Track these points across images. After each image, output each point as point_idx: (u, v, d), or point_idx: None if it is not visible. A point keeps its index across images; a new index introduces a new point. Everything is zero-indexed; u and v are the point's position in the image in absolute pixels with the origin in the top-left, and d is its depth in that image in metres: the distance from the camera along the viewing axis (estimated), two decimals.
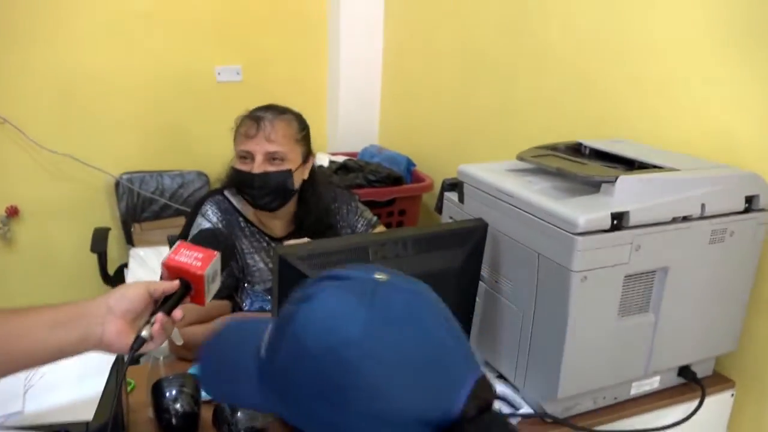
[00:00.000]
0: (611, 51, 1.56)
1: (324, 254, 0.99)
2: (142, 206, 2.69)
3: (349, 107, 2.84)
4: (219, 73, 2.71)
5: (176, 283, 0.87)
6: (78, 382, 0.88)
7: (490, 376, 0.83)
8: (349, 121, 2.86)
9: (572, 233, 0.99)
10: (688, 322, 1.17)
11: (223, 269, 0.96)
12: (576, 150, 1.34)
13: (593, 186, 1.10)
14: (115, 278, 2.56)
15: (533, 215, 1.07)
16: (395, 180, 2.19)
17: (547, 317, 1.08)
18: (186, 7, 2.58)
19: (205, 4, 2.61)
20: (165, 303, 0.86)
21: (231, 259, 1.09)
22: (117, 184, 2.64)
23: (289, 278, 0.97)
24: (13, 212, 2.54)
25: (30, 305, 0.81)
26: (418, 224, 2.35)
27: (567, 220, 0.99)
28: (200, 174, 2.75)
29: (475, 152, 2.16)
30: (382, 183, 2.15)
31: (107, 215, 2.70)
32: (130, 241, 2.67)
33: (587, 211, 1.00)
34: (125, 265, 2.52)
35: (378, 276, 0.57)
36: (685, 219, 1.08)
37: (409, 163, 2.40)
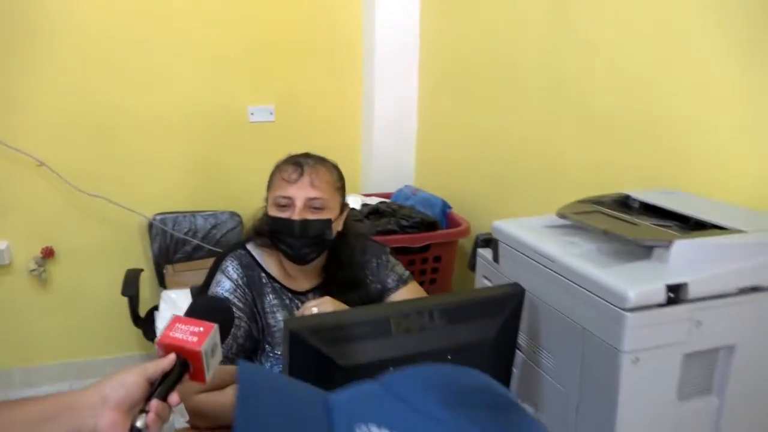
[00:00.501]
0: (662, 92, 1.43)
1: (339, 328, 0.90)
2: (174, 247, 2.66)
3: (384, 147, 2.77)
4: (252, 113, 2.68)
5: (173, 357, 0.80)
6: None
7: None
8: (383, 161, 2.79)
9: (621, 308, 0.87)
10: (757, 406, 1.02)
11: (223, 339, 0.88)
12: (623, 204, 1.21)
13: (643, 249, 0.97)
14: (146, 320, 2.52)
15: (576, 284, 0.95)
16: (429, 225, 2.09)
17: (595, 400, 0.95)
18: (219, 48, 2.57)
19: (238, 44, 2.60)
20: (161, 385, 0.78)
21: (231, 328, 1.01)
22: (150, 225, 2.62)
23: (300, 354, 0.88)
24: (48, 253, 2.54)
25: (15, 399, 0.74)
26: (454, 271, 2.23)
27: (615, 293, 0.88)
28: (233, 214, 2.72)
29: (514, 195, 2.05)
30: (415, 228, 2.05)
31: (140, 256, 2.68)
32: (162, 283, 2.63)
33: (639, 283, 0.88)
34: (156, 308, 2.48)
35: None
36: (753, 290, 0.94)
37: (445, 206, 2.30)
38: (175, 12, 2.48)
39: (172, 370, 0.78)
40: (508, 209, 2.08)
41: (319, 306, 1.20)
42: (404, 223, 2.04)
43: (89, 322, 2.66)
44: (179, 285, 2.56)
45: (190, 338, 0.80)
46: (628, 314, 0.86)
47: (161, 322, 2.32)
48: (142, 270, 2.57)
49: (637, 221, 1.07)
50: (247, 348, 1.27)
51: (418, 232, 2.06)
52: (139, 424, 0.71)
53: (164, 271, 2.65)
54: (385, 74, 2.71)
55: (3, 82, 2.33)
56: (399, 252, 2.06)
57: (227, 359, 1.22)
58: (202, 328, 0.81)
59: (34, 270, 2.52)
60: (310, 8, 2.67)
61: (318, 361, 0.87)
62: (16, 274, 2.53)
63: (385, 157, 2.79)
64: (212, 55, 2.57)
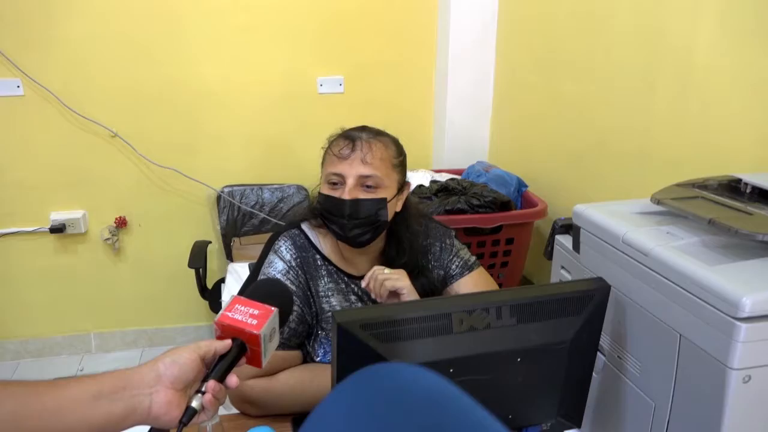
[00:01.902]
0: None
1: (393, 323, 0.80)
2: (242, 220, 2.64)
3: (458, 121, 2.62)
4: (321, 85, 2.60)
5: (228, 342, 0.77)
6: None
7: None
8: (456, 135, 2.64)
9: (733, 317, 0.72)
10: None
11: (282, 325, 0.83)
12: (733, 188, 1.04)
13: (760, 244, 0.81)
14: (212, 292, 2.53)
15: (675, 283, 0.80)
16: (503, 205, 1.94)
17: (692, 419, 0.81)
18: (289, 19, 2.49)
19: (308, 14, 2.51)
20: (218, 366, 0.75)
21: (290, 314, 0.94)
22: (218, 198, 2.61)
23: (349, 349, 0.79)
24: (121, 223, 2.59)
25: (72, 376, 0.71)
26: (528, 256, 2.08)
27: (726, 299, 0.73)
28: (300, 188, 2.67)
29: (599, 175, 1.87)
30: (487, 208, 1.91)
31: (209, 228, 2.69)
32: (229, 256, 2.63)
33: (755, 287, 0.72)
34: (223, 280, 2.49)
35: None
36: None
37: (520, 185, 2.14)
38: None
39: (229, 351, 0.75)
40: (591, 191, 1.90)
41: (392, 276, 1.12)
42: (475, 202, 1.91)
43: (159, 292, 2.70)
44: (245, 258, 2.55)
45: (249, 321, 0.77)
46: (741, 325, 0.71)
47: (227, 294, 2.32)
48: (209, 242, 2.58)
49: (751, 210, 0.90)
50: (300, 333, 1.19)
51: (490, 211, 1.92)
52: (195, 404, 0.70)
53: (231, 243, 2.65)
54: (461, 44, 2.55)
55: (80, 57, 2.35)
56: (469, 233, 1.94)
57: (280, 345, 1.14)
58: (261, 311, 0.79)
59: (108, 239, 2.58)
60: None
61: (368, 359, 0.77)
62: (92, 242, 2.60)
63: (458, 131, 2.64)
64: (282, 26, 2.50)
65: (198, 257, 2.43)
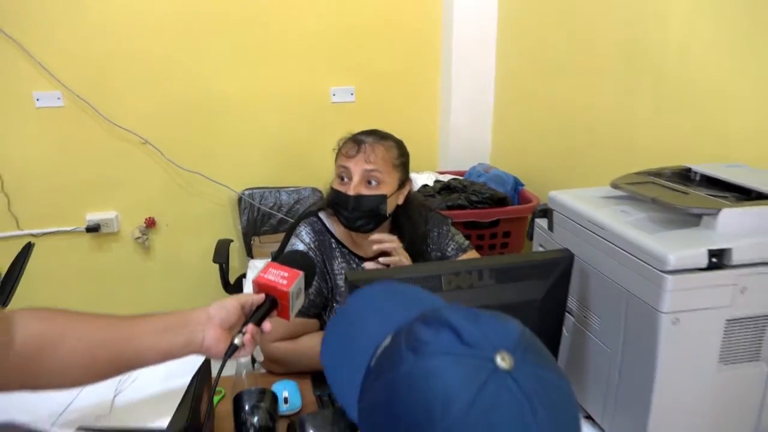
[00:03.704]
0: (738, 59, 1.42)
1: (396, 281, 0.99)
2: (261, 220, 2.85)
3: (461, 126, 2.83)
4: (334, 94, 2.81)
5: (263, 296, 0.96)
6: (163, 384, 0.96)
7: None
8: (460, 139, 2.84)
9: (662, 271, 0.91)
10: None
11: (306, 288, 1.02)
12: (684, 176, 1.23)
13: (693, 218, 1.00)
14: (234, 287, 2.73)
15: (622, 249, 0.99)
16: (499, 201, 2.14)
17: (636, 360, 1.00)
18: (304, 33, 2.72)
19: (322, 29, 2.73)
20: (255, 314, 0.94)
21: (314, 279, 1.14)
22: (240, 199, 2.82)
23: None
24: (151, 223, 2.81)
25: (142, 312, 0.91)
26: (523, 248, 2.27)
27: (656, 257, 0.91)
28: (315, 190, 2.87)
29: (588, 173, 2.06)
30: (485, 204, 2.11)
31: (231, 228, 2.90)
32: (249, 253, 2.84)
33: (680, 247, 0.91)
34: (244, 275, 2.69)
35: (500, 361, 0.50)
36: None
37: (517, 183, 2.33)
38: (264, 3, 2.65)
39: (263, 303, 0.94)
40: (580, 186, 2.09)
41: (391, 242, 1.33)
42: (474, 198, 2.10)
43: (186, 286, 2.91)
44: (264, 255, 2.75)
45: (280, 280, 0.95)
46: (668, 276, 0.90)
47: (248, 288, 2.52)
48: (231, 240, 2.79)
49: (690, 191, 1.09)
50: (318, 304, 1.40)
51: (488, 207, 2.11)
52: (237, 341, 0.88)
53: (251, 242, 2.85)
54: (464, 55, 2.76)
55: (114, 70, 2.58)
56: (468, 227, 2.13)
57: (300, 312, 1.34)
58: (290, 274, 0.96)
59: (138, 238, 2.80)
60: None
61: None
62: (123, 241, 2.82)
63: (461, 136, 2.85)
64: (298, 41, 2.72)
65: (221, 253, 2.64)
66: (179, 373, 0.99)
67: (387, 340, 0.56)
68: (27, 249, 2.08)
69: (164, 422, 0.87)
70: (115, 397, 0.94)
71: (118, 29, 2.55)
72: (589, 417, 1.17)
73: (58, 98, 2.58)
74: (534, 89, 2.42)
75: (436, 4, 2.82)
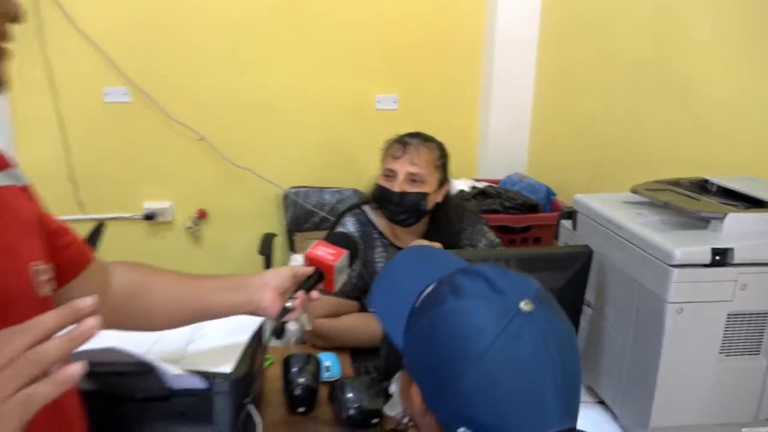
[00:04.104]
0: (759, 79, 1.51)
1: None
2: (304, 217, 3.02)
3: (499, 136, 2.95)
4: (378, 102, 2.97)
5: (312, 268, 1.09)
6: (227, 337, 1.11)
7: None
8: (498, 148, 2.97)
9: (669, 264, 1.02)
10: None
11: (349, 265, 1.16)
12: (701, 186, 1.33)
13: (703, 222, 1.11)
14: None
15: (636, 246, 1.11)
16: (531, 208, 2.26)
17: (645, 347, 1.11)
18: (352, 43, 2.89)
19: (368, 39, 2.90)
20: (305, 283, 1.07)
21: (356, 258, 1.27)
22: (285, 197, 3.00)
23: None
24: (202, 215, 3.00)
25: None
26: None
27: (664, 252, 1.03)
28: (356, 191, 3.02)
29: (616, 184, 2.15)
30: (517, 210, 2.22)
31: (276, 223, 3.08)
32: (292, 248, 3.00)
33: (686, 244, 1.02)
34: None
35: (523, 306, 0.63)
36: None
37: (549, 193, 2.44)
38: (314, 12, 2.83)
39: (312, 275, 1.07)
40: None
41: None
42: (507, 204, 2.22)
43: None
44: (305, 250, 2.91)
45: (328, 256, 1.08)
46: (674, 270, 1.01)
47: None
48: (275, 235, 2.96)
49: (703, 199, 1.20)
50: (359, 288, 1.54)
51: (520, 213, 2.23)
52: (288, 304, 1.01)
53: (294, 237, 3.02)
54: (504, 68, 2.88)
55: (176, 69, 2.79)
56: (501, 231, 2.24)
57: (342, 293, 1.50)
58: (336, 251, 1.09)
59: (190, 227, 3.00)
60: (434, 5, 2.91)
61: None
62: (176, 230, 3.02)
63: (499, 145, 2.97)
64: (347, 48, 2.89)
65: (266, 246, 2.81)
66: (239, 331, 1.14)
67: (431, 287, 0.70)
68: (99, 228, 2.29)
69: (226, 369, 1.02)
70: (187, 345, 1.10)
71: (182, 32, 2.76)
72: (601, 402, 1.28)
73: (125, 94, 2.80)
74: (569, 104, 2.53)
75: (479, 18, 2.95)
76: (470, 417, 0.62)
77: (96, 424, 0.87)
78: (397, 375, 0.77)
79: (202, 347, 1.10)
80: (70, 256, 0.91)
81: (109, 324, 0.96)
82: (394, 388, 0.79)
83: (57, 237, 0.89)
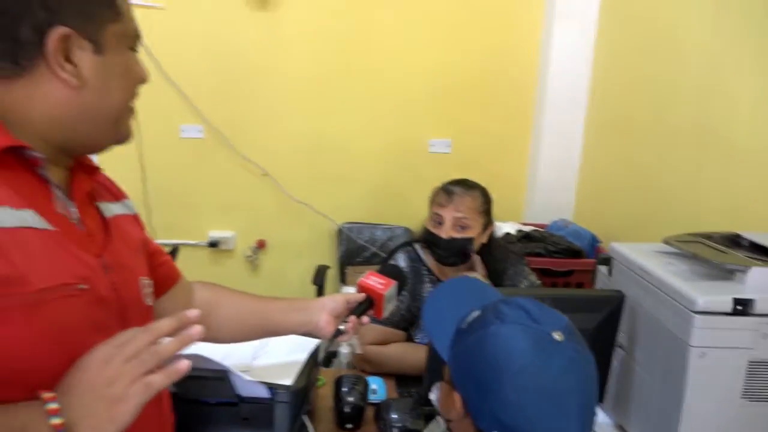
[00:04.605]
0: None
1: None
2: (356, 252, 3.17)
3: (547, 182, 3.05)
4: (432, 145, 3.14)
5: (363, 296, 1.22)
6: (287, 355, 1.26)
7: None
8: (545, 193, 3.07)
9: (692, 311, 1.11)
10: None
11: (398, 295, 1.28)
12: (732, 240, 1.40)
13: (728, 273, 1.19)
14: None
15: (663, 292, 1.20)
16: (574, 253, 2.34)
17: (670, 388, 1.19)
18: (408, 88, 3.07)
19: (424, 85, 3.07)
20: (356, 309, 1.20)
21: (404, 289, 1.39)
22: (339, 231, 3.17)
23: None
24: (261, 245, 3.20)
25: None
26: None
27: (689, 299, 1.12)
28: (406, 229, 3.16)
29: (658, 231, 2.21)
30: (561, 254, 2.31)
31: (329, 255, 3.24)
32: (343, 280, 3.16)
33: (709, 293, 1.11)
34: None
35: (556, 336, 0.78)
36: None
37: (594, 240, 2.52)
38: (371, 59, 3.04)
39: (363, 302, 1.19)
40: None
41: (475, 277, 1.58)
42: (551, 248, 2.32)
43: None
44: (359, 280, 3.06)
45: (378, 285, 1.20)
46: (697, 316, 1.10)
47: None
48: (329, 267, 3.12)
49: (730, 252, 1.28)
50: (407, 319, 1.67)
51: (564, 258, 2.32)
52: (341, 327, 1.15)
53: (346, 270, 3.17)
54: (554, 116, 3.00)
55: (245, 110, 3.04)
56: (544, 274, 2.33)
57: (391, 323, 1.63)
58: (386, 282, 1.21)
59: (249, 256, 3.20)
60: (488, 54, 3.07)
61: None
62: (237, 258, 3.22)
63: (546, 191, 3.07)
64: (402, 95, 3.08)
65: (320, 277, 2.97)
66: (297, 350, 1.28)
67: (476, 312, 0.84)
68: (174, 252, 2.51)
69: (287, 382, 1.16)
70: (253, 360, 1.25)
71: (253, 78, 3.01)
72: None
73: (199, 131, 3.05)
74: (616, 154, 2.62)
75: (532, 65, 3.09)
76: (504, 422, 0.76)
77: (174, 422, 1.02)
78: (437, 384, 0.91)
79: (265, 362, 1.25)
80: (163, 273, 1.09)
81: None
82: (434, 396, 0.92)
83: (155, 257, 1.07)
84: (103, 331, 0.78)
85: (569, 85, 2.97)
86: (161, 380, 0.70)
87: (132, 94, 0.88)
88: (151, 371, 0.70)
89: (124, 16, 0.83)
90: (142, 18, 2.84)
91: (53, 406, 0.65)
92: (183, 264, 3.03)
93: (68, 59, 0.76)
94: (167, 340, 0.73)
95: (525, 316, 0.80)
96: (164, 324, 0.74)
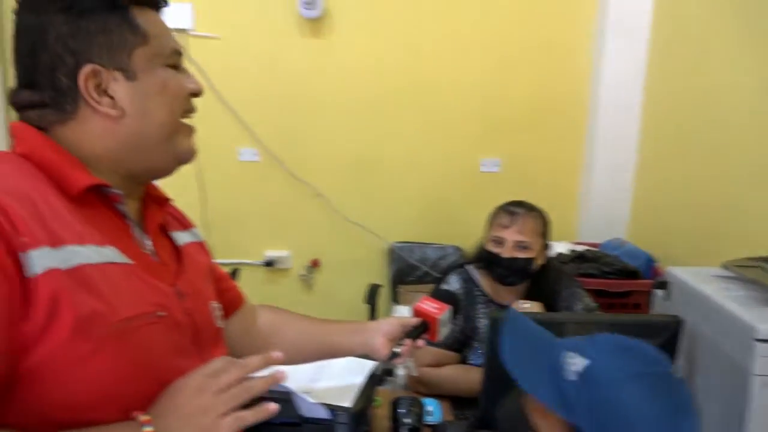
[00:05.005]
0: None
1: None
2: (408, 271, 3.21)
3: (600, 201, 3.02)
4: (483, 165, 3.15)
5: (419, 320, 1.25)
6: (346, 377, 1.30)
7: None
8: (599, 212, 3.03)
9: (754, 339, 1.10)
10: None
11: (452, 319, 1.31)
12: None
13: None
14: None
15: (723, 319, 1.19)
16: (630, 273, 2.31)
17: (732, 418, 1.17)
18: (457, 108, 3.11)
19: (474, 105, 3.10)
20: (411, 332, 1.23)
21: (457, 314, 1.42)
22: (391, 250, 3.21)
23: (497, 339, 1.27)
24: (315, 264, 3.28)
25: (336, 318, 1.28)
26: None
27: (751, 326, 1.11)
28: (457, 248, 3.18)
29: (718, 253, 2.17)
30: (615, 275, 2.28)
31: (381, 274, 3.29)
32: (395, 299, 3.19)
33: None
34: None
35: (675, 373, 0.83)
36: None
37: (650, 260, 2.48)
38: (421, 81, 3.09)
39: (419, 325, 1.22)
40: (707, 265, 2.20)
41: (530, 306, 1.58)
42: (605, 269, 2.29)
43: None
44: (408, 303, 3.09)
45: (433, 309, 1.23)
46: (757, 344, 1.09)
47: None
48: (381, 286, 3.16)
49: None
50: (460, 341, 1.69)
51: (619, 278, 2.29)
52: (396, 349, 1.17)
53: (397, 289, 3.20)
54: (607, 134, 2.97)
55: (299, 133, 3.13)
56: (599, 295, 2.30)
57: (445, 346, 1.65)
58: (440, 306, 1.24)
59: (303, 275, 3.28)
60: (538, 72, 3.08)
61: None
62: (292, 276, 3.31)
63: (600, 210, 3.03)
64: (452, 116, 3.11)
65: (372, 296, 3.02)
66: (356, 373, 1.33)
67: (576, 359, 0.85)
68: (234, 274, 2.60)
69: (346, 404, 1.20)
70: (313, 382, 1.30)
71: (306, 102, 3.10)
72: None
73: (255, 154, 3.16)
74: (672, 172, 2.57)
75: (583, 84, 3.07)
76: None
77: None
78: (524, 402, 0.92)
79: (325, 384, 1.29)
80: (229, 298, 1.15)
81: (252, 354, 1.18)
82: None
83: (221, 282, 1.13)
84: (182, 353, 0.84)
85: (622, 100, 2.94)
86: (251, 417, 0.75)
87: (178, 110, 0.89)
88: (241, 405, 0.75)
89: (153, 37, 0.84)
90: (201, 47, 2.99)
91: (149, 429, 0.71)
92: (240, 283, 3.13)
93: (105, 92, 0.81)
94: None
95: (641, 362, 0.82)
96: (254, 361, 0.80)
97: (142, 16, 0.84)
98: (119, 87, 0.82)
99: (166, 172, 0.91)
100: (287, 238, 3.27)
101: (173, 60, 0.87)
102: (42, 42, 0.80)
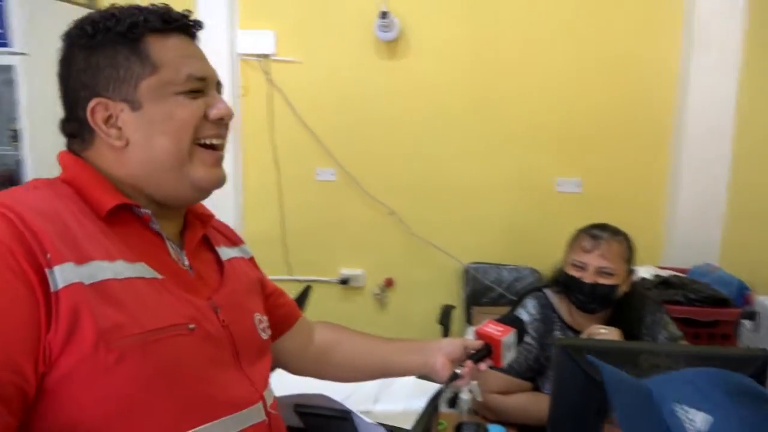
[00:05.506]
0: None
1: (597, 351, 1.21)
2: (482, 292, 3.16)
3: (688, 223, 2.85)
4: (559, 184, 3.07)
5: (481, 342, 1.22)
6: (408, 399, 1.29)
7: None
8: (685, 236, 2.86)
9: None
10: None
11: (517, 344, 1.26)
12: None
13: None
14: None
15: None
16: (719, 302, 2.16)
17: None
18: (532, 126, 3.05)
19: (550, 122, 3.03)
20: (473, 355, 1.20)
21: (522, 340, 1.37)
22: (465, 271, 3.18)
23: (565, 366, 1.22)
24: (389, 283, 3.29)
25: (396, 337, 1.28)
26: None
27: None
28: (533, 270, 3.10)
29: None
30: (703, 303, 2.14)
31: (455, 295, 3.26)
32: (469, 320, 3.15)
33: None
34: None
35: None
36: None
37: (743, 288, 2.31)
38: (496, 99, 3.06)
39: (481, 348, 1.20)
40: None
41: (607, 332, 1.51)
42: (692, 296, 2.16)
43: None
44: (477, 327, 3.04)
45: (495, 332, 1.20)
46: None
47: None
48: (454, 307, 3.13)
49: None
50: (533, 369, 1.64)
51: (706, 306, 2.15)
52: (458, 370, 1.15)
53: (471, 310, 3.16)
54: (696, 151, 2.81)
55: (374, 154, 3.18)
56: (685, 323, 2.17)
57: (516, 373, 1.61)
58: (504, 329, 1.21)
59: (377, 294, 3.30)
60: (620, 88, 2.97)
61: (577, 372, 1.20)
62: (366, 295, 3.34)
63: (687, 233, 2.86)
64: (527, 133, 3.06)
65: (445, 316, 2.99)
66: (418, 395, 1.32)
67: (702, 417, 0.83)
68: (307, 291, 2.67)
69: (407, 426, 1.19)
70: (374, 403, 1.30)
71: (381, 123, 3.15)
72: None
73: (332, 174, 3.24)
74: None
75: (669, 103, 2.92)
76: None
77: None
78: None
79: (386, 406, 1.29)
80: (283, 313, 1.17)
81: (309, 372, 1.21)
82: None
83: (273, 298, 1.16)
84: (219, 365, 0.87)
85: (711, 117, 2.78)
86: None
87: (186, 137, 0.87)
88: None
89: (165, 65, 0.85)
90: (283, 71, 3.11)
91: None
92: (316, 300, 3.22)
93: (115, 124, 0.85)
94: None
95: (752, 405, 0.81)
96: None
97: (158, 44, 0.86)
98: (126, 118, 0.85)
99: (186, 199, 0.92)
100: (362, 257, 3.31)
101: (191, 86, 0.87)
102: (65, 76, 0.87)
